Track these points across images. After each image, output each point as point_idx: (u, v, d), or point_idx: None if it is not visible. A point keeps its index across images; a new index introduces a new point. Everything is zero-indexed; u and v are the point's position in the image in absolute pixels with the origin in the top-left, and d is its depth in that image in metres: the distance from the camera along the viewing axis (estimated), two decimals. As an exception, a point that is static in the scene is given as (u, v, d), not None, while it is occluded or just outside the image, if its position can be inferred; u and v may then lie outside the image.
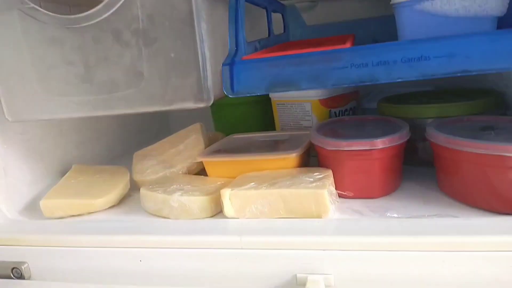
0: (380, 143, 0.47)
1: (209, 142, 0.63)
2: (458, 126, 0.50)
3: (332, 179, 0.48)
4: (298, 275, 0.40)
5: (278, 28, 0.68)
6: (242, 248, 0.42)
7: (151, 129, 0.93)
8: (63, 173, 0.62)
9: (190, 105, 0.44)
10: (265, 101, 0.71)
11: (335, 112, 0.66)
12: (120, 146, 0.81)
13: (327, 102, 0.65)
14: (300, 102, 0.66)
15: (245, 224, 0.45)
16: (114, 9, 0.43)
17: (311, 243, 0.40)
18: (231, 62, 0.43)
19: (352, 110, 0.70)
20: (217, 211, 0.49)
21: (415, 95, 0.65)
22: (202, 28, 0.43)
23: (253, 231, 0.43)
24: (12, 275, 0.48)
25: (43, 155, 0.62)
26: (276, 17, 0.68)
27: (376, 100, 0.67)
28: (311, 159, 0.57)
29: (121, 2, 0.42)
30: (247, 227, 0.45)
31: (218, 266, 0.43)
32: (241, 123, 0.78)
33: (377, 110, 0.65)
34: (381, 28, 0.73)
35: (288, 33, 0.74)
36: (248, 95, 0.43)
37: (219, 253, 0.42)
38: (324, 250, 0.40)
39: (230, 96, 0.43)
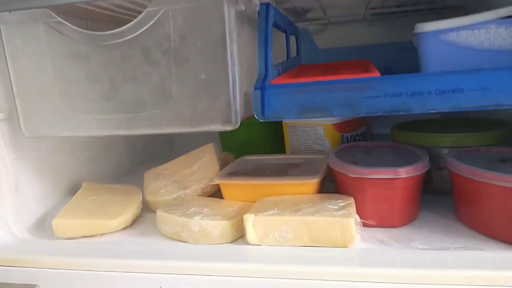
0: (403, 172, 0.47)
1: (221, 162, 0.62)
2: (476, 156, 0.50)
3: (355, 207, 0.47)
4: (325, 307, 0.39)
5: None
6: (267, 277, 0.40)
7: (155, 146, 0.92)
8: (72, 190, 0.60)
9: (218, 127, 0.44)
10: (275, 123, 0.71)
11: (347, 137, 0.66)
12: (127, 162, 0.80)
13: (340, 127, 0.65)
14: (313, 125, 0.66)
15: (269, 251, 0.44)
16: (146, 27, 0.42)
17: (340, 274, 0.39)
18: (262, 87, 0.43)
19: (363, 135, 0.70)
20: (237, 236, 0.48)
21: (426, 123, 0.65)
22: (234, 50, 0.42)
23: (279, 259, 0.42)
24: (21, 298, 0.45)
25: (54, 171, 0.60)
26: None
27: (383, 126, 0.67)
28: (326, 184, 0.56)
29: (153, 21, 0.42)
30: (272, 255, 0.43)
31: (242, 295, 0.41)
32: (250, 144, 0.77)
33: (390, 137, 0.65)
34: (393, 55, 0.74)
35: (301, 56, 0.74)
36: (279, 120, 0.43)
37: (244, 281, 0.41)
38: (353, 281, 0.39)
39: (260, 120, 0.43)
